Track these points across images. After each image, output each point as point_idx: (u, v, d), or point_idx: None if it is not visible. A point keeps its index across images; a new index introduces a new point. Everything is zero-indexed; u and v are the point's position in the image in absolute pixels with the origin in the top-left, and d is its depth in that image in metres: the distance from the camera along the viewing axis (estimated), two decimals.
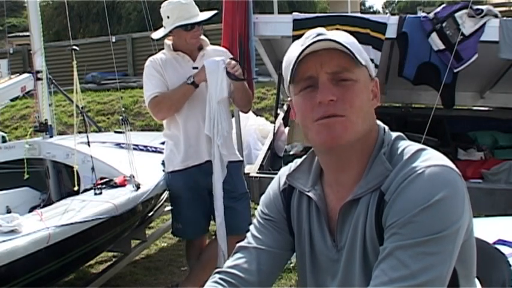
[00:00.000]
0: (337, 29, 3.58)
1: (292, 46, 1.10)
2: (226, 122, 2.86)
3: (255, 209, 1.45)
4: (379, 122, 1.14)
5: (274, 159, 4.00)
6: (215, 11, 3.00)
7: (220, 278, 1.17)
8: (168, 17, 2.85)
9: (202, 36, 2.98)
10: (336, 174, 1.13)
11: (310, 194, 1.16)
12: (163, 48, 2.97)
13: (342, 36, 1.07)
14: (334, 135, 1.04)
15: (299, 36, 1.12)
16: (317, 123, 1.05)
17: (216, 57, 2.83)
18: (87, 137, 3.15)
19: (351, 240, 1.07)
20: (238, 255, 1.21)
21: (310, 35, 1.07)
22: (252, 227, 1.25)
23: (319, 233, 1.15)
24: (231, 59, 2.90)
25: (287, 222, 1.22)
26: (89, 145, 3.11)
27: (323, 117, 1.04)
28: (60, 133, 5.47)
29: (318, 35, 1.06)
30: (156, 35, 2.96)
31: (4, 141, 4.38)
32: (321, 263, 1.15)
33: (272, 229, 1.22)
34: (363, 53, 1.09)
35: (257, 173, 3.60)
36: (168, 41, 2.95)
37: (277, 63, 4.29)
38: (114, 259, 3.74)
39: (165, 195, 3.50)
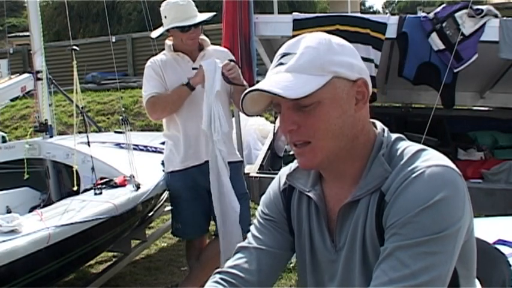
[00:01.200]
0: (337, 29, 3.60)
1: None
2: (224, 119, 2.84)
3: (255, 209, 1.45)
4: (378, 123, 1.13)
5: (274, 159, 4.01)
6: (213, 13, 3.00)
7: (220, 278, 1.17)
8: (165, 17, 2.86)
9: (203, 36, 2.98)
10: (332, 178, 1.13)
11: (310, 194, 1.16)
12: (163, 49, 2.97)
13: (303, 55, 1.02)
14: (306, 162, 1.07)
15: None
16: (293, 148, 1.09)
17: (213, 58, 2.82)
18: (87, 137, 3.16)
19: (350, 241, 1.07)
20: (239, 255, 1.21)
21: (277, 55, 1.07)
22: (252, 227, 1.25)
23: (318, 233, 1.15)
24: (230, 60, 2.88)
25: (287, 222, 1.22)
26: (89, 145, 3.11)
27: (291, 144, 1.08)
28: (60, 133, 5.47)
29: (282, 56, 1.05)
30: (154, 33, 2.99)
31: (4, 141, 4.38)
32: (321, 263, 1.15)
33: (272, 229, 1.22)
34: (327, 66, 1.01)
35: (257, 173, 3.60)
36: (168, 42, 2.96)
37: None
38: (114, 259, 3.74)
39: (165, 195, 3.50)
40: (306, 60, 1.02)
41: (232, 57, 3.00)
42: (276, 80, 1.02)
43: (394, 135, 1.11)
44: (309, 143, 1.04)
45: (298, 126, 1.04)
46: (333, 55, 1.03)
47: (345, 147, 1.06)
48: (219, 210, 2.83)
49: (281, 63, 1.05)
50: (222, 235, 2.84)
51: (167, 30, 2.87)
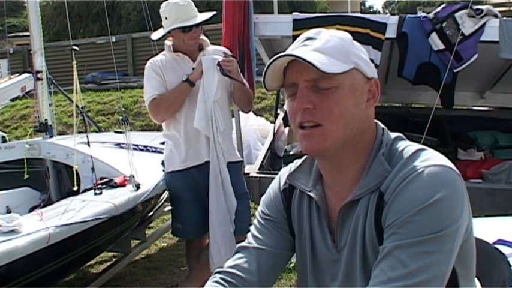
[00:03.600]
0: (337, 29, 3.60)
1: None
2: (221, 118, 2.85)
3: (255, 209, 1.45)
4: (378, 123, 1.14)
5: (274, 159, 4.01)
6: (214, 12, 3.00)
7: (221, 278, 1.17)
8: (166, 18, 2.86)
9: (203, 36, 2.98)
10: (332, 176, 1.13)
11: (311, 193, 1.16)
12: (163, 49, 2.97)
13: (329, 41, 1.06)
14: (314, 145, 1.05)
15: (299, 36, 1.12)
16: (299, 132, 1.07)
17: (214, 55, 2.83)
18: (87, 137, 3.16)
19: (350, 240, 1.07)
20: (239, 255, 1.21)
21: (300, 39, 1.09)
22: (252, 227, 1.26)
23: (319, 233, 1.15)
24: (231, 56, 2.88)
25: (288, 222, 1.22)
26: (88, 145, 3.11)
27: (301, 123, 1.05)
28: (60, 133, 5.47)
29: (307, 39, 1.07)
30: (155, 35, 2.98)
31: (4, 141, 4.38)
32: (322, 263, 1.15)
33: (273, 229, 1.22)
34: (351, 56, 1.06)
35: (257, 173, 3.60)
36: (168, 42, 2.95)
37: None
38: (114, 259, 3.74)
39: (165, 195, 3.50)
40: (332, 46, 1.05)
41: (232, 54, 3.00)
42: (304, 53, 1.03)
43: (393, 135, 1.12)
44: (320, 126, 1.04)
45: (314, 106, 1.04)
46: (355, 49, 1.09)
47: (352, 140, 1.06)
48: (215, 209, 2.84)
49: (305, 45, 1.06)
50: (213, 235, 2.85)
51: (168, 32, 2.87)
